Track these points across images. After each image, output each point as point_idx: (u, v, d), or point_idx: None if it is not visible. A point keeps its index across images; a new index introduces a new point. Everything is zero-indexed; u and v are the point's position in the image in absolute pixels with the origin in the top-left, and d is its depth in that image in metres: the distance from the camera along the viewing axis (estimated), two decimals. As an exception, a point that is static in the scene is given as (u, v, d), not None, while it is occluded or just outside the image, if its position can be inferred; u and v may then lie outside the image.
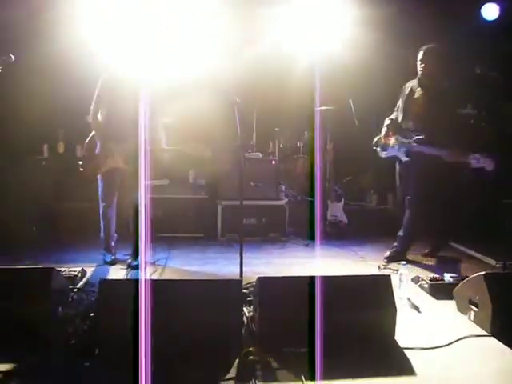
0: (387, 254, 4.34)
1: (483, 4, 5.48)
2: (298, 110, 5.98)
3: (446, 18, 5.29)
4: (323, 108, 5.73)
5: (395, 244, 4.35)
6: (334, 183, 5.68)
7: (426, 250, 4.52)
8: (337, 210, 5.38)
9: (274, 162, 5.44)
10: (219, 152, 5.31)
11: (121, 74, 3.85)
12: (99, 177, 3.96)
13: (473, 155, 3.66)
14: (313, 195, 5.44)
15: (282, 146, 6.07)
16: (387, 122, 4.38)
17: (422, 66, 4.07)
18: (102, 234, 4.11)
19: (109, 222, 4.07)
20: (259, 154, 5.62)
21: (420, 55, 4.08)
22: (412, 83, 4.22)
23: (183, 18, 4.83)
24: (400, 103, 4.30)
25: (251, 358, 2.34)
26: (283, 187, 5.51)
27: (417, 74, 4.15)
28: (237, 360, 2.33)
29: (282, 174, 5.69)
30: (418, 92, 4.12)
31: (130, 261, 3.99)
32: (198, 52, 4.99)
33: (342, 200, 5.45)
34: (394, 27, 5.29)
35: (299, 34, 5.47)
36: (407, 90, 4.22)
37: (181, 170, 5.48)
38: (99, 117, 3.87)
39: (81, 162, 3.99)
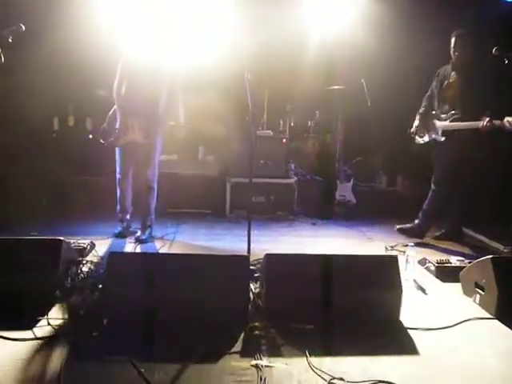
0: (400, 226, 4.46)
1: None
2: (310, 89, 5.92)
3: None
4: (335, 87, 5.67)
5: (416, 221, 4.42)
6: (344, 163, 5.65)
7: (438, 233, 4.51)
8: (346, 190, 5.37)
9: (284, 141, 5.42)
10: (230, 128, 5.28)
11: (140, 54, 3.91)
12: (117, 149, 4.05)
13: (507, 118, 3.73)
14: (322, 175, 5.44)
15: (292, 124, 6.03)
16: (421, 110, 4.49)
17: (455, 51, 4.17)
18: (117, 205, 4.19)
19: (124, 193, 4.14)
20: (270, 132, 5.60)
21: (452, 41, 4.17)
22: (445, 68, 4.32)
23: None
24: (434, 89, 4.40)
25: (257, 332, 2.37)
26: (293, 166, 5.50)
27: (450, 58, 4.25)
28: (242, 334, 2.36)
29: (291, 153, 5.68)
30: (453, 76, 4.22)
31: (138, 234, 4.03)
32: (211, 31, 4.92)
33: (352, 180, 5.44)
34: (408, 8, 5.17)
35: (312, 12, 5.38)
36: (441, 76, 4.33)
37: (191, 146, 5.47)
38: (122, 92, 3.93)
39: (101, 134, 4.05)
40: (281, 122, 6.02)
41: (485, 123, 3.84)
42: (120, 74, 3.95)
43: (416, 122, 4.50)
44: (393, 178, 6.02)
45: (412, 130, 4.52)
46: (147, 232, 4.06)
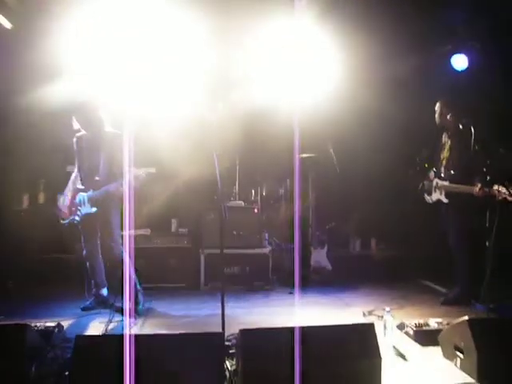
0: (444, 299, 4.41)
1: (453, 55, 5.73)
2: (280, 158, 6.06)
3: (421, 68, 5.51)
4: (304, 155, 5.83)
5: (456, 289, 4.40)
6: (317, 230, 5.69)
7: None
8: (320, 257, 5.37)
9: (256, 210, 5.46)
10: (201, 200, 5.31)
11: (84, 128, 4.14)
12: (78, 225, 4.11)
13: (495, 186, 3.84)
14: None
15: (264, 194, 6.10)
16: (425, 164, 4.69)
17: (438, 117, 4.51)
18: (89, 281, 4.21)
19: (92, 268, 4.16)
20: (241, 203, 5.64)
21: (436, 106, 4.52)
22: (441, 129, 4.60)
23: (165, 64, 4.95)
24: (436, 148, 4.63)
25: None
26: (266, 235, 5.50)
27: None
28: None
29: (264, 222, 5.70)
30: (444, 137, 4.51)
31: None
32: (179, 100, 5.07)
33: (326, 246, 5.45)
34: (375, 75, 5.46)
35: (282, 80, 5.61)
36: (437, 136, 4.60)
37: (163, 219, 5.45)
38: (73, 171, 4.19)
39: (59, 213, 4.19)
40: (252, 191, 6.10)
41: (477, 189, 3.97)
42: (75, 152, 4.20)
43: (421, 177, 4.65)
44: (366, 242, 6.07)
45: (420, 186, 4.64)
46: (139, 305, 4.06)
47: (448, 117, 4.37)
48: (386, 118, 5.51)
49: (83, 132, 4.18)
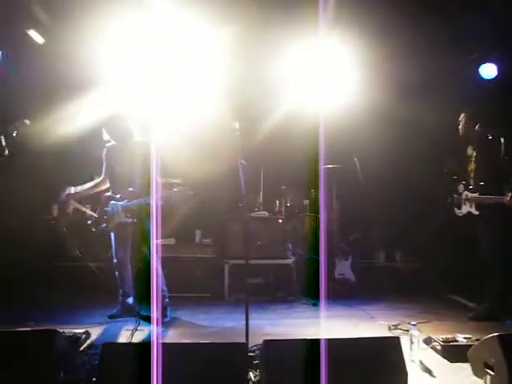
0: (472, 315, 4.31)
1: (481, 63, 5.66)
2: (304, 169, 6.07)
3: (448, 77, 5.45)
4: (329, 166, 5.82)
5: (485, 304, 4.30)
6: (341, 241, 5.65)
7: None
8: (344, 268, 5.33)
9: (280, 221, 5.46)
10: (225, 210, 5.35)
11: (122, 141, 4.20)
12: (111, 234, 4.20)
13: None
14: (320, 254, 5.40)
15: (288, 204, 6.10)
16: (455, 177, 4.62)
17: (462, 128, 4.43)
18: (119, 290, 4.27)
19: (122, 277, 4.22)
20: (266, 213, 5.65)
21: (461, 117, 4.44)
22: (466, 142, 4.54)
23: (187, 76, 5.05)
24: (459, 160, 4.60)
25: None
26: (290, 246, 5.49)
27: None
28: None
29: (288, 233, 5.69)
30: (470, 150, 4.44)
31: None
32: (202, 110, 5.15)
33: (350, 258, 5.40)
34: (399, 85, 5.43)
35: (306, 91, 5.63)
36: (464, 149, 4.53)
37: (187, 230, 5.50)
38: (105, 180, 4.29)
39: (92, 223, 4.26)
40: (277, 202, 6.10)
41: (508, 199, 3.91)
42: (104, 162, 4.29)
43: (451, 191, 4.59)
44: (392, 254, 5.99)
45: (449, 200, 4.59)
46: (167, 315, 4.14)
47: (476, 127, 4.28)
48: (411, 127, 5.47)
49: (113, 143, 4.27)
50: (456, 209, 4.54)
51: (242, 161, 3.33)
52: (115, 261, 4.22)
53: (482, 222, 4.27)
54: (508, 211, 3.99)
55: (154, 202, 3.98)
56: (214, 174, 5.27)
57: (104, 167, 4.34)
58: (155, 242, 4.09)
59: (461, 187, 4.46)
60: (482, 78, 5.64)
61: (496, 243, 4.20)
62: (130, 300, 4.29)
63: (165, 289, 4.20)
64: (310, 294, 5.08)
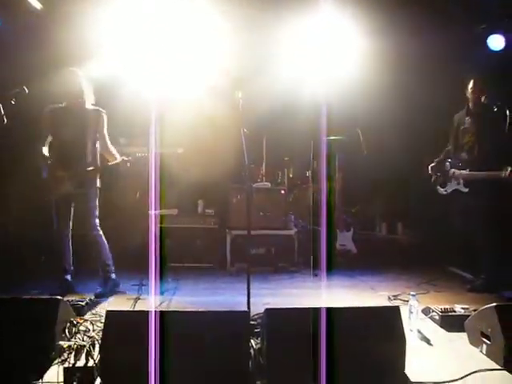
0: (470, 286, 4.33)
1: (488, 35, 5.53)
2: (307, 140, 6.03)
3: (456, 46, 5.34)
4: (331, 137, 5.78)
5: (483, 276, 4.31)
6: (343, 212, 5.67)
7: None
8: (346, 240, 5.36)
9: (283, 192, 5.47)
10: (228, 180, 5.35)
11: (78, 103, 3.94)
12: (53, 203, 3.98)
13: None
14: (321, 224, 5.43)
15: (291, 175, 6.09)
16: (441, 156, 4.54)
17: (474, 96, 4.24)
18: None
19: (64, 252, 4.05)
20: (268, 184, 5.65)
21: (470, 85, 4.25)
22: (459, 115, 4.41)
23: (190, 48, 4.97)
24: (450, 134, 4.48)
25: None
26: (292, 217, 5.51)
27: (467, 103, 4.32)
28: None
29: (291, 204, 5.70)
30: (468, 121, 4.29)
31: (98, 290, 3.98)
32: (205, 80, 5.08)
33: (351, 229, 5.43)
34: (403, 56, 5.33)
35: (309, 61, 5.54)
36: (455, 123, 4.41)
37: (190, 200, 5.52)
38: (45, 150, 3.98)
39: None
40: (279, 173, 6.10)
41: (507, 173, 3.82)
42: (43, 126, 3.97)
43: (434, 170, 4.52)
44: (393, 226, 6.01)
45: (432, 179, 4.55)
46: (109, 285, 4.05)
47: (482, 99, 4.17)
48: (415, 100, 5.39)
49: (60, 104, 4.00)
50: (439, 187, 4.49)
51: (245, 129, 3.31)
52: (56, 232, 4.02)
53: (472, 198, 4.19)
54: (501, 186, 3.94)
55: (152, 172, 3.94)
56: (216, 142, 5.25)
57: (50, 131, 3.99)
58: (153, 212, 4.11)
59: (447, 165, 4.39)
60: (490, 50, 5.53)
61: (488, 218, 4.14)
62: (68, 276, 4.11)
63: (108, 263, 4.08)
64: (311, 265, 5.14)
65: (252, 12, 4.84)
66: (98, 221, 4.04)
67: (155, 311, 2.42)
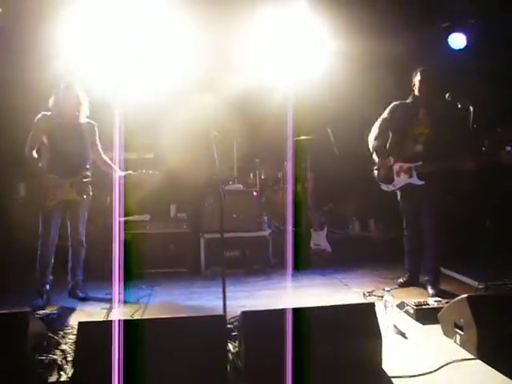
0: (400, 280, 4.34)
1: (451, 33, 5.67)
2: (278, 141, 6.04)
3: (419, 45, 5.44)
4: (302, 138, 5.81)
5: (407, 269, 4.33)
6: (316, 212, 5.70)
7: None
8: (320, 239, 5.39)
9: (255, 194, 5.46)
10: (199, 185, 5.31)
11: (62, 111, 3.94)
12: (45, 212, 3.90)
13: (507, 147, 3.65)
14: (296, 225, 5.45)
15: (263, 177, 6.10)
16: (378, 148, 4.20)
17: (421, 86, 4.03)
18: (38, 274, 3.93)
19: (49, 261, 3.94)
20: (240, 186, 5.64)
21: (418, 76, 4.06)
22: (405, 105, 4.14)
23: (156, 49, 4.90)
24: (388, 124, 4.17)
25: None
26: (266, 218, 5.51)
27: (411, 94, 4.13)
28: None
29: (263, 205, 5.70)
30: (422, 113, 4.05)
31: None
32: (173, 83, 5.03)
33: (325, 228, 5.46)
34: (370, 55, 5.40)
35: (277, 63, 5.55)
36: (401, 113, 4.11)
37: (162, 205, 5.45)
38: (34, 153, 3.90)
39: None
40: (251, 174, 6.09)
41: (470, 162, 3.69)
42: (36, 133, 3.88)
43: (376, 166, 4.23)
44: (365, 223, 6.08)
45: (376, 176, 4.25)
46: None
47: (447, 96, 3.92)
48: (382, 97, 5.46)
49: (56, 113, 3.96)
50: (384, 184, 4.21)
51: (215, 133, 3.29)
52: (44, 241, 3.90)
53: (428, 191, 3.97)
54: (459, 179, 3.96)
55: (117, 180, 3.93)
56: (186, 147, 5.20)
57: (46, 139, 3.91)
58: (118, 219, 4.05)
59: (389, 160, 4.11)
60: (452, 48, 5.67)
61: (442, 213, 4.00)
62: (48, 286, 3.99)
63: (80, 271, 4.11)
64: (286, 266, 5.13)
65: (218, 11, 4.80)
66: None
67: (124, 320, 2.37)
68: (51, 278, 4.00)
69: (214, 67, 5.30)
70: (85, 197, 4.02)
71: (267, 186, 6.06)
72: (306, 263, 5.14)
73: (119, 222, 4.11)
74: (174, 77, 4.99)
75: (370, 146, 4.28)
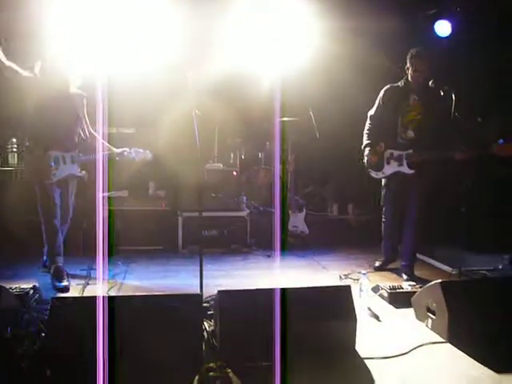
0: (377, 264, 4.38)
1: (436, 20, 5.66)
2: (260, 121, 6.01)
3: (405, 32, 5.42)
4: (285, 119, 5.77)
5: (383, 253, 4.38)
6: (295, 194, 5.71)
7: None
8: (298, 221, 5.41)
9: (235, 173, 5.43)
10: (179, 163, 5.24)
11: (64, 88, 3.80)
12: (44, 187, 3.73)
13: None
14: (274, 206, 5.45)
15: (243, 157, 6.06)
16: (367, 136, 4.18)
17: (414, 69, 3.88)
18: (46, 254, 3.89)
19: (58, 237, 3.81)
20: (220, 165, 5.60)
21: (410, 59, 3.91)
22: (395, 88, 4.06)
23: (141, 28, 4.78)
24: (382, 109, 4.11)
25: (212, 374, 2.28)
26: (244, 198, 5.49)
27: (402, 77, 4.05)
28: (197, 377, 2.27)
29: (243, 185, 5.69)
30: (413, 99, 3.95)
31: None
32: (156, 60, 4.92)
33: (304, 210, 5.48)
34: (355, 40, 5.36)
35: (262, 44, 5.48)
36: (390, 97, 4.05)
37: (141, 182, 5.38)
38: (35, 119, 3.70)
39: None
40: (231, 154, 6.05)
41: (461, 154, 3.66)
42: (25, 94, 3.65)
43: (367, 152, 4.14)
44: (344, 207, 6.13)
45: (366, 162, 4.16)
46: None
47: (430, 83, 3.89)
48: (367, 82, 5.45)
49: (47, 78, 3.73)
50: (373, 171, 4.13)
51: (196, 111, 3.23)
52: (51, 216, 3.77)
53: (417, 180, 3.93)
54: (448, 168, 3.95)
55: (101, 155, 3.82)
56: (167, 123, 5.12)
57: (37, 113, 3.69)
58: (101, 195, 3.97)
59: (381, 145, 4.04)
60: (437, 36, 5.66)
61: (428, 201, 4.00)
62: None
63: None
64: (263, 246, 5.15)
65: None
66: None
67: (103, 296, 2.33)
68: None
69: (199, 50, 5.22)
70: (84, 172, 3.89)
71: (247, 166, 6.04)
72: (283, 245, 5.16)
73: (102, 197, 4.02)
74: (158, 55, 4.89)
75: (364, 135, 4.23)
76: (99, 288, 3.71)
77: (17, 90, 3.65)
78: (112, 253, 4.46)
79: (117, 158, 4.01)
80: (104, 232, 3.84)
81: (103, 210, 4.02)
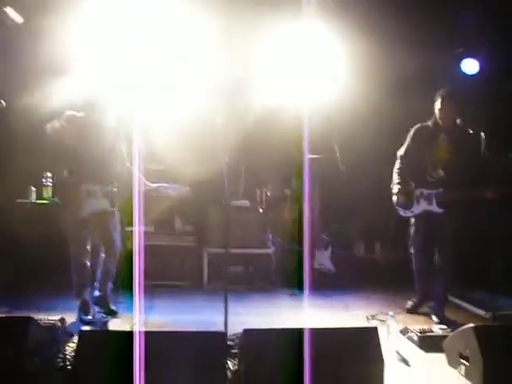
0: (408, 306, 4.29)
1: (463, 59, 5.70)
2: (286, 158, 6.04)
3: (431, 70, 5.47)
4: (312, 156, 5.80)
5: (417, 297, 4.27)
6: (321, 231, 5.67)
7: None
8: (324, 259, 5.35)
9: (261, 210, 5.44)
10: (206, 200, 5.31)
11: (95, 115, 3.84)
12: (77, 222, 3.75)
13: None
14: (300, 244, 5.42)
15: (269, 193, 6.08)
16: (397, 175, 4.18)
17: (443, 111, 3.95)
18: (76, 287, 3.86)
19: (84, 271, 3.82)
20: (247, 202, 5.62)
21: (439, 100, 3.97)
22: (425, 127, 4.10)
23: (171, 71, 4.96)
24: (412, 149, 4.13)
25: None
26: (270, 235, 5.48)
27: (432, 117, 4.07)
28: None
29: (269, 222, 5.68)
30: (443, 138, 3.99)
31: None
32: (185, 101, 5.07)
33: (329, 248, 5.42)
34: (381, 78, 5.42)
35: (288, 82, 5.58)
36: (421, 137, 4.08)
37: (167, 217, 5.44)
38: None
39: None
40: (257, 191, 6.07)
41: (491, 192, 3.65)
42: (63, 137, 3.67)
43: (396, 190, 4.12)
44: (371, 245, 6.04)
45: (395, 201, 4.15)
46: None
47: (457, 121, 4.01)
48: (393, 119, 5.47)
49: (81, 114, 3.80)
50: (402, 209, 4.13)
51: (226, 159, 3.25)
52: (80, 250, 3.80)
53: (447, 219, 3.91)
54: (478, 207, 3.87)
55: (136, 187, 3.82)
56: (196, 166, 5.21)
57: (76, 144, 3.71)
58: (137, 228, 3.99)
59: (411, 185, 4.06)
60: (464, 74, 5.69)
61: (459, 241, 3.95)
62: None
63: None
64: (288, 284, 5.09)
65: (233, 27, 4.84)
66: None
67: (138, 332, 2.33)
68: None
69: (225, 84, 5.34)
70: (115, 208, 3.87)
71: (273, 203, 6.04)
72: (308, 283, 5.08)
73: (140, 231, 4.02)
74: (183, 92, 5.04)
75: (394, 174, 4.22)
76: (123, 322, 3.70)
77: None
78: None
79: (153, 193, 3.96)
80: (140, 268, 3.80)
81: (140, 244, 4.00)
